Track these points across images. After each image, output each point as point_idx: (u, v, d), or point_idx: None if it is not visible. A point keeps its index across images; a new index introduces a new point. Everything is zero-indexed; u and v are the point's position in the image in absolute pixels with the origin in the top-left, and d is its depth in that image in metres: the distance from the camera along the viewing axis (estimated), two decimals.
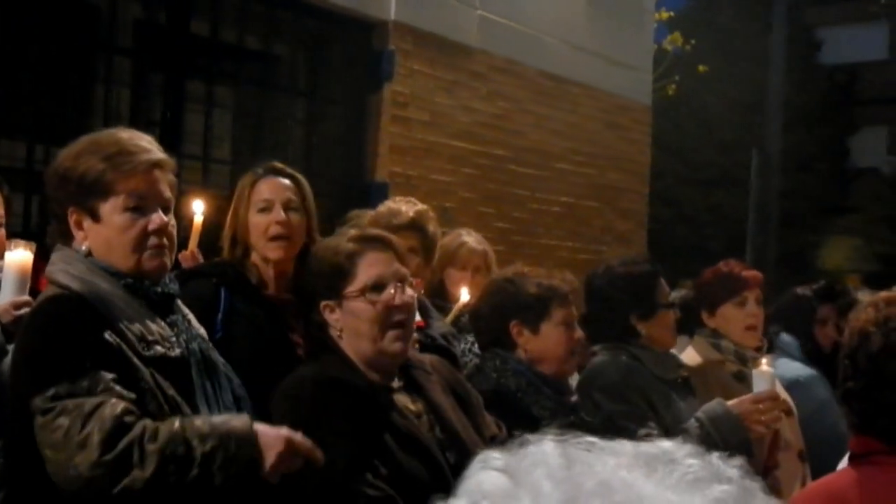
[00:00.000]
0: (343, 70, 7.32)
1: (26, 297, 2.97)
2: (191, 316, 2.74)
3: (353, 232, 3.05)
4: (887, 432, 2.21)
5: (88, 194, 2.51)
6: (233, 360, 2.78)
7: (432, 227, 4.01)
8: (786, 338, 5.31)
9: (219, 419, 2.42)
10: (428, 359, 3.09)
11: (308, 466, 2.52)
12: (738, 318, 4.33)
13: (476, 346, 3.85)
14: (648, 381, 3.81)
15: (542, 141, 8.64)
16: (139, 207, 2.53)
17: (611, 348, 3.94)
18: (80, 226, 2.56)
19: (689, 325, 4.38)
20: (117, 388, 2.34)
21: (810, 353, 5.31)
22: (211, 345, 2.72)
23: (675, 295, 4.96)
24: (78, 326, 2.40)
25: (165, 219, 2.56)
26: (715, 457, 1.00)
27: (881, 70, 27.05)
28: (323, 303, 2.89)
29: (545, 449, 0.99)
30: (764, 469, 4.01)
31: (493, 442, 2.87)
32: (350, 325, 2.85)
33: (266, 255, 3.40)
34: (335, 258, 2.90)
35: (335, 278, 2.88)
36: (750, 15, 21.80)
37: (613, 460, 0.97)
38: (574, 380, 4.26)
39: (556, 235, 8.80)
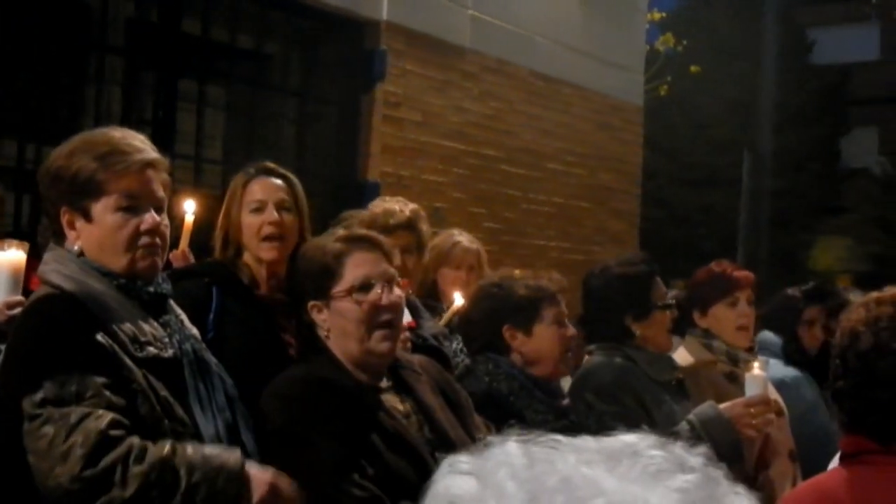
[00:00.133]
0: (335, 70, 7.32)
1: (19, 297, 2.96)
2: (183, 316, 2.73)
3: (340, 232, 3.05)
4: (878, 430, 2.22)
5: (80, 194, 2.50)
6: (224, 360, 2.77)
7: (425, 226, 4.03)
8: (769, 336, 5.32)
9: (212, 451, 2.41)
10: (417, 359, 3.10)
11: (297, 467, 2.52)
12: (730, 319, 4.33)
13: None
14: (642, 382, 3.81)
15: (534, 141, 8.65)
16: (132, 207, 2.52)
17: (605, 349, 3.94)
18: (72, 226, 2.54)
19: (680, 325, 4.39)
20: (107, 393, 2.32)
21: (792, 354, 5.33)
22: (204, 345, 2.71)
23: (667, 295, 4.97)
24: (70, 327, 2.39)
25: (158, 218, 2.55)
26: (678, 447, 1.00)
27: (873, 70, 27.10)
28: (311, 303, 2.89)
29: (508, 449, 1.00)
30: (755, 470, 4.02)
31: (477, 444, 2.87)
32: (337, 325, 2.86)
33: (259, 255, 3.40)
34: (322, 258, 2.91)
35: (322, 278, 2.88)
36: (742, 15, 21.84)
37: (575, 456, 0.97)
38: (567, 381, 4.27)
39: (548, 236, 8.81)
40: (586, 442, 1.01)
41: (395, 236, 3.83)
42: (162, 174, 2.61)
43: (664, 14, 13.55)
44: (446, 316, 4.13)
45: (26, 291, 2.91)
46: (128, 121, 5.96)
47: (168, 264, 3.28)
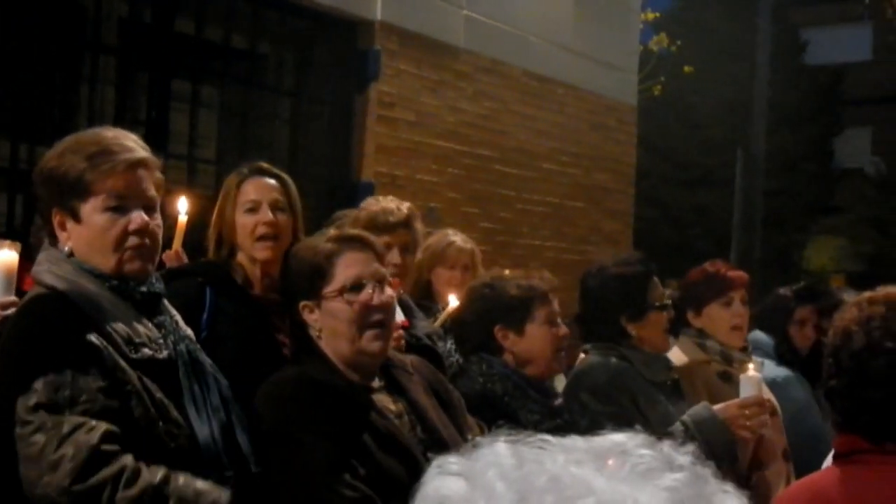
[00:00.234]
0: (329, 70, 7.32)
1: (12, 297, 2.95)
2: (178, 317, 2.71)
3: (332, 232, 3.06)
4: (870, 429, 2.22)
5: (70, 194, 2.49)
6: (218, 360, 2.76)
7: (420, 225, 4.03)
8: (761, 336, 5.33)
9: (205, 487, 2.39)
10: (409, 359, 3.10)
11: (289, 467, 2.52)
12: (724, 319, 4.34)
13: None
14: (637, 382, 3.82)
15: (529, 141, 8.65)
16: (120, 207, 2.50)
17: (601, 349, 3.94)
18: (63, 226, 2.53)
19: (674, 324, 4.40)
20: (101, 397, 2.31)
21: (784, 354, 5.34)
22: (198, 346, 2.70)
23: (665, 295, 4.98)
24: (63, 327, 2.37)
25: (147, 218, 2.52)
26: (666, 445, 1.00)
27: (866, 71, 27.16)
28: (302, 303, 2.89)
29: (497, 450, 1.00)
30: (749, 470, 4.03)
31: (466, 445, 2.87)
32: (329, 325, 2.85)
33: (253, 255, 3.40)
34: (314, 258, 2.91)
35: (314, 278, 2.88)
36: (735, 16, 21.84)
37: (564, 456, 0.97)
38: (562, 381, 4.27)
39: (542, 236, 8.82)
40: (575, 442, 1.01)
41: (395, 234, 3.83)
42: (154, 173, 2.59)
43: (658, 14, 13.56)
44: (441, 317, 4.13)
45: (20, 292, 2.90)
46: (121, 121, 5.96)
47: (161, 264, 3.28)
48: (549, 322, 3.52)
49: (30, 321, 2.45)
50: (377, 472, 2.65)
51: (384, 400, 2.87)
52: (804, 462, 4.24)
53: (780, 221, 22.47)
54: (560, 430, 3.18)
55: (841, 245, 25.08)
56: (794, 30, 25.92)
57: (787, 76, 23.24)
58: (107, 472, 2.24)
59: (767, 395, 4.23)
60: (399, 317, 3.30)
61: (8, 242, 3.08)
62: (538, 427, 3.20)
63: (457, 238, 4.64)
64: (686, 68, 14.11)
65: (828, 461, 3.33)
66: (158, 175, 2.61)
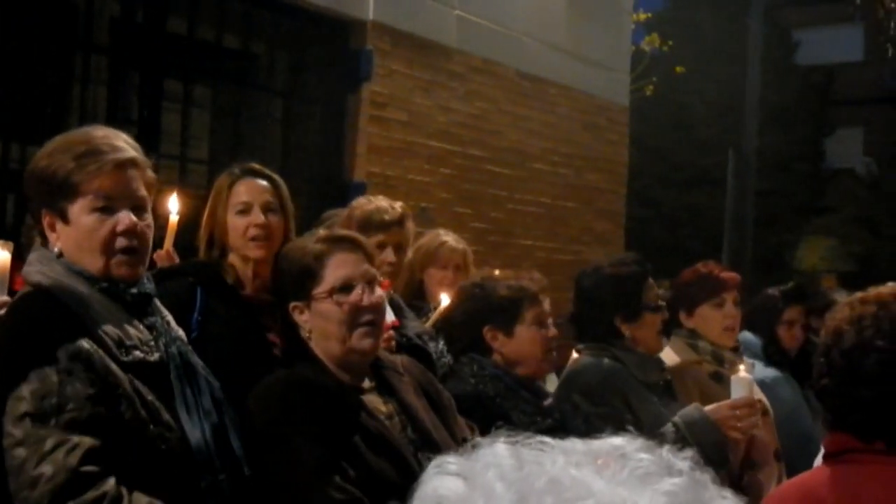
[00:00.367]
0: (321, 70, 7.31)
1: (5, 297, 2.94)
2: (170, 317, 2.69)
3: (321, 232, 3.05)
4: (861, 428, 2.23)
5: (58, 195, 2.46)
6: (209, 361, 2.75)
7: (411, 225, 4.04)
8: (748, 337, 5.34)
9: None
10: (400, 360, 3.10)
11: (278, 469, 2.52)
12: (717, 319, 4.35)
13: None
14: (629, 383, 3.82)
15: (520, 141, 8.65)
16: (107, 208, 2.47)
17: (594, 349, 3.94)
18: (52, 227, 2.51)
19: (666, 325, 4.40)
20: (89, 406, 2.27)
21: (772, 355, 5.35)
22: (190, 347, 2.68)
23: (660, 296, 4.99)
24: (51, 329, 2.35)
25: (135, 219, 2.49)
26: (665, 450, 1.00)
27: (857, 71, 27.23)
28: (292, 304, 2.89)
29: (497, 451, 1.00)
30: (741, 470, 4.04)
31: (465, 443, 2.87)
32: (319, 326, 2.86)
33: (246, 254, 3.40)
34: (303, 259, 2.91)
35: (303, 279, 2.88)
36: (727, 16, 21.89)
37: (563, 458, 0.98)
38: (554, 381, 4.28)
39: (534, 236, 8.82)
40: (575, 444, 1.01)
41: (389, 233, 3.84)
42: (145, 173, 2.55)
43: (650, 14, 13.57)
44: (433, 317, 4.13)
45: (11, 292, 2.89)
46: (113, 120, 5.94)
47: (153, 264, 3.27)
48: (539, 323, 3.52)
49: (18, 321, 2.43)
50: (367, 473, 2.65)
51: (375, 401, 2.87)
52: (794, 462, 4.25)
53: (772, 221, 22.52)
54: (552, 430, 3.18)
55: (832, 245, 25.13)
56: (786, 30, 26.00)
57: (779, 76, 23.29)
58: (86, 498, 2.20)
59: (759, 395, 4.24)
60: (389, 317, 3.30)
61: (0, 242, 3.07)
62: (530, 428, 3.20)
63: (449, 238, 4.64)
64: (678, 68, 14.13)
65: (818, 461, 3.33)
66: (150, 174, 2.58)
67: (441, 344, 3.97)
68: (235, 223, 3.41)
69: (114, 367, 2.36)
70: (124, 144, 2.52)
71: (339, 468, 2.61)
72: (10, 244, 3.05)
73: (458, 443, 2.87)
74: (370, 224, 3.82)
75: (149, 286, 2.61)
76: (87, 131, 2.55)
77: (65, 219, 2.48)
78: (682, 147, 23.80)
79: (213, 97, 7.17)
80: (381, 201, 4.02)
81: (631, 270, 3.99)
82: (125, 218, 2.47)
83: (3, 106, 5.71)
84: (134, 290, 2.53)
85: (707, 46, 22.67)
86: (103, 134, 2.53)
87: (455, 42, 7.97)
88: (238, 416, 2.67)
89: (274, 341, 3.27)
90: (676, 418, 3.69)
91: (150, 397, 2.41)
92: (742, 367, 3.94)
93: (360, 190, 6.79)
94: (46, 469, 2.19)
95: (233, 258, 3.44)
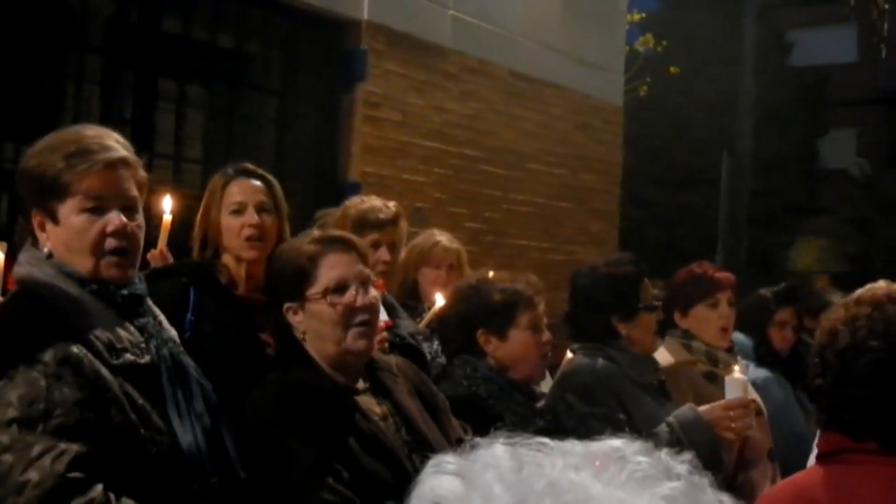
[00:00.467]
0: (315, 70, 7.31)
1: None
2: (161, 317, 2.66)
3: (315, 233, 3.05)
4: (853, 427, 2.24)
5: (47, 195, 2.43)
6: (202, 361, 2.73)
7: (405, 223, 4.05)
8: (740, 338, 5.35)
9: None
10: (394, 361, 3.09)
11: (272, 471, 2.51)
12: (711, 320, 4.36)
13: None
14: (623, 384, 3.82)
15: (514, 141, 8.66)
16: (97, 208, 2.44)
17: (588, 349, 3.94)
18: (42, 227, 2.48)
19: (661, 325, 4.41)
20: (77, 411, 2.24)
21: (763, 356, 5.35)
22: (182, 348, 2.65)
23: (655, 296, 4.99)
24: (39, 332, 2.31)
25: (125, 220, 2.46)
26: (664, 453, 1.00)
27: (850, 72, 27.28)
28: (286, 305, 2.89)
29: (496, 452, 1.00)
30: (734, 470, 4.04)
31: (459, 444, 2.87)
32: (313, 327, 2.85)
33: (240, 254, 3.40)
34: (297, 260, 2.90)
35: (297, 280, 2.87)
36: (721, 17, 21.90)
37: (562, 461, 0.98)
38: (548, 381, 4.28)
39: (528, 236, 8.82)
40: (574, 446, 1.01)
41: (384, 232, 3.85)
42: (136, 172, 2.52)
43: (644, 15, 13.58)
44: (427, 317, 4.13)
45: (4, 292, 2.88)
46: (107, 120, 5.93)
47: (146, 264, 3.27)
48: (533, 328, 3.52)
49: (4, 322, 2.39)
50: (361, 474, 2.64)
51: (369, 402, 2.86)
52: (786, 462, 4.26)
53: (766, 222, 22.55)
54: (544, 432, 3.18)
55: (826, 246, 25.17)
56: (780, 31, 26.03)
57: (773, 77, 23.31)
58: (75, 503, 2.18)
59: (753, 395, 4.25)
60: (382, 317, 3.30)
61: None
62: (523, 429, 3.19)
63: (442, 238, 4.65)
64: (672, 69, 14.15)
65: (811, 461, 3.33)
66: (141, 174, 2.55)
67: (436, 344, 3.97)
68: (229, 223, 3.40)
69: (103, 371, 2.33)
70: (115, 144, 2.49)
71: (334, 470, 2.61)
72: (4, 244, 3.04)
73: (452, 444, 2.87)
74: (365, 223, 3.82)
75: (140, 287, 2.58)
76: (77, 130, 2.52)
77: (54, 219, 2.45)
78: (677, 148, 23.81)
79: (207, 97, 7.16)
80: (376, 201, 4.02)
81: (628, 270, 4.00)
82: (115, 219, 2.45)
83: None
84: (125, 292, 2.50)
85: (701, 47, 22.70)
86: (94, 133, 2.49)
87: (450, 42, 7.97)
88: (232, 418, 2.64)
89: (267, 341, 3.26)
90: (670, 418, 3.70)
91: (140, 401, 2.38)
92: (737, 367, 3.95)
93: (355, 190, 6.78)
94: (33, 475, 2.16)
95: (226, 258, 3.44)
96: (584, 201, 9.56)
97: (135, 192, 2.52)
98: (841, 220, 24.91)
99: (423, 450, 2.75)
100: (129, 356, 2.41)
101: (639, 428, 3.67)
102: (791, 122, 24.70)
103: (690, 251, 14.57)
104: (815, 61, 26.55)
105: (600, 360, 3.86)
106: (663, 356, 4.33)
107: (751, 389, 4.22)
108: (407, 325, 3.90)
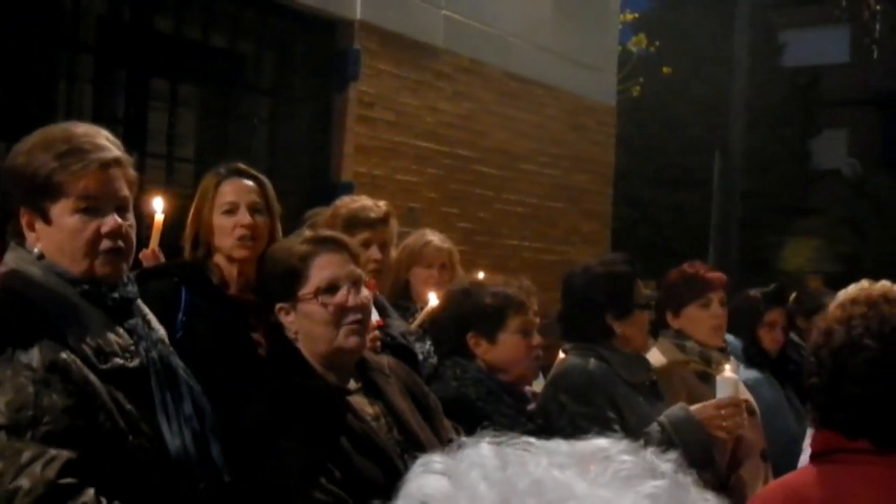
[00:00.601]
0: (308, 69, 7.31)
1: None
2: (151, 316, 2.64)
3: (307, 233, 3.05)
4: (847, 426, 2.25)
5: (39, 194, 2.39)
6: (193, 360, 2.73)
7: (395, 222, 4.06)
8: (729, 338, 5.36)
9: None
10: (386, 361, 3.10)
11: (263, 472, 2.51)
12: (703, 320, 4.36)
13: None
14: (615, 384, 3.83)
15: (507, 142, 8.67)
16: (91, 208, 2.41)
17: (580, 350, 3.95)
18: (31, 227, 2.44)
19: (653, 325, 4.42)
20: (65, 418, 2.21)
21: (753, 356, 5.36)
22: (171, 349, 2.63)
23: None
24: (25, 333, 2.28)
25: (120, 220, 2.44)
26: (649, 452, 1.01)
27: (843, 73, 27.32)
28: (278, 305, 2.89)
29: (481, 451, 1.00)
30: (727, 470, 4.05)
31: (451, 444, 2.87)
32: (304, 327, 2.85)
33: (231, 254, 3.39)
34: (288, 260, 2.90)
35: (289, 280, 2.87)
36: (714, 17, 21.95)
37: (547, 459, 0.98)
38: (540, 381, 4.29)
39: (521, 236, 8.83)
40: (559, 445, 1.02)
41: (375, 231, 3.86)
42: (127, 171, 2.49)
43: (637, 15, 13.61)
44: (420, 316, 4.14)
45: None
46: (99, 119, 5.92)
47: (138, 263, 3.26)
48: (523, 332, 3.53)
49: None
50: (353, 474, 2.65)
51: (361, 402, 2.86)
52: (777, 463, 4.27)
53: (758, 222, 22.59)
54: (532, 434, 3.18)
55: (818, 246, 25.21)
56: (772, 32, 26.07)
57: (765, 78, 23.37)
58: None
59: (745, 394, 4.26)
60: (374, 316, 3.30)
61: None
62: (512, 431, 3.20)
63: (434, 237, 4.65)
64: (665, 69, 14.17)
65: (801, 462, 3.34)
66: (131, 172, 2.52)
67: (428, 345, 3.97)
68: (222, 223, 3.40)
69: (92, 377, 2.30)
70: (107, 142, 2.46)
71: (326, 469, 2.61)
72: None
73: (444, 444, 2.87)
74: (355, 222, 3.83)
75: (131, 289, 2.55)
76: (66, 127, 2.49)
77: (46, 219, 2.42)
78: (669, 148, 23.85)
79: (199, 96, 7.16)
80: (366, 200, 4.03)
81: (623, 269, 4.01)
82: (111, 220, 2.42)
83: None
84: (115, 295, 2.47)
85: (694, 48, 22.73)
86: (84, 131, 2.46)
87: (442, 42, 7.98)
88: (221, 419, 2.63)
89: (259, 341, 3.26)
90: (662, 418, 3.71)
91: (128, 406, 2.35)
92: (728, 366, 3.96)
93: (348, 190, 6.78)
94: (24, 482, 2.14)
95: (218, 258, 3.43)
96: (577, 201, 9.57)
97: (126, 191, 2.49)
98: (833, 220, 24.95)
99: (415, 450, 2.75)
100: (117, 360, 2.38)
101: (631, 428, 3.68)
102: (783, 122, 24.76)
103: (682, 251, 14.60)
104: (808, 62, 26.59)
105: (592, 361, 3.87)
106: (656, 356, 4.34)
107: (743, 388, 4.23)
108: (398, 325, 3.90)
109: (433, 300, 4.01)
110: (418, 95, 7.76)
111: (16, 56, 5.77)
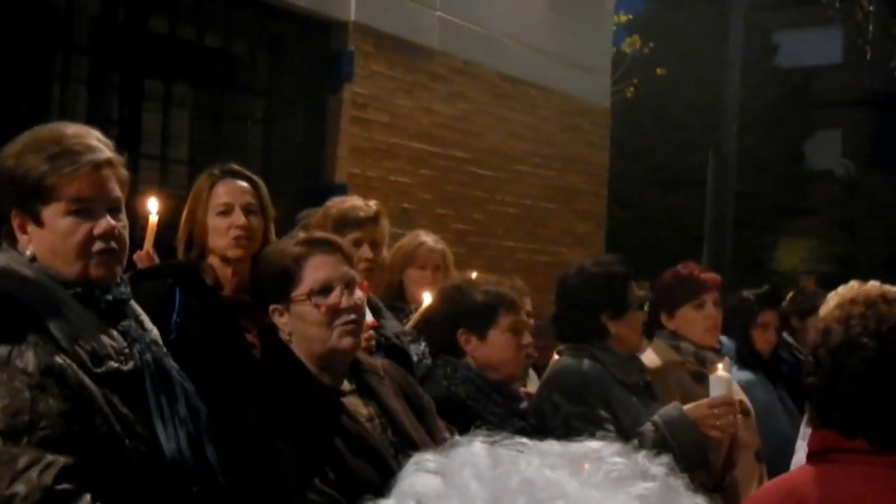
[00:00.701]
0: (302, 70, 7.31)
1: None
2: (144, 317, 2.63)
3: (300, 235, 3.06)
4: (844, 425, 2.26)
5: (30, 197, 2.37)
6: (187, 362, 2.71)
7: (386, 222, 4.06)
8: (721, 339, 5.37)
9: None
10: (380, 363, 3.10)
11: (258, 473, 2.51)
12: (697, 320, 4.37)
13: None
14: (609, 384, 3.84)
15: (501, 143, 8.67)
16: (84, 210, 2.39)
17: (574, 350, 3.96)
18: (23, 229, 2.42)
19: (648, 326, 4.42)
20: (62, 423, 2.20)
21: (746, 358, 5.37)
22: (164, 350, 2.61)
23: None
24: (22, 337, 2.26)
25: (113, 222, 2.42)
26: (641, 455, 1.01)
27: (836, 74, 27.36)
28: (272, 306, 2.89)
29: (474, 449, 1.01)
30: (721, 470, 4.06)
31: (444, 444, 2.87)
32: (298, 328, 2.86)
33: (226, 254, 3.40)
34: (282, 261, 2.91)
35: (282, 282, 2.88)
36: (707, 18, 21.96)
37: (539, 459, 0.99)
38: (535, 382, 4.29)
39: (515, 237, 8.84)
40: (552, 446, 1.02)
41: (365, 230, 3.86)
42: (119, 171, 2.47)
43: (630, 16, 13.62)
44: (414, 317, 4.14)
45: None
46: (93, 120, 5.91)
47: (132, 265, 3.26)
48: (514, 331, 3.54)
49: None
50: (347, 475, 2.65)
51: (355, 403, 2.87)
52: (771, 463, 4.28)
53: (752, 223, 22.60)
54: (523, 433, 3.19)
55: (812, 246, 25.26)
56: (766, 33, 26.09)
57: (759, 79, 23.38)
58: None
59: (740, 395, 4.27)
60: (367, 317, 3.31)
61: None
62: (501, 430, 3.20)
63: (427, 238, 4.65)
64: (659, 70, 14.19)
65: (794, 462, 3.35)
66: (123, 172, 2.50)
67: (423, 346, 3.98)
68: (216, 224, 3.40)
69: (87, 381, 2.29)
70: (97, 143, 2.44)
71: (320, 471, 2.62)
72: None
73: (437, 445, 2.87)
74: (345, 221, 3.84)
75: (124, 291, 2.53)
76: (56, 128, 2.46)
77: (38, 222, 2.40)
78: (663, 149, 23.86)
79: (193, 97, 7.15)
80: (356, 200, 4.04)
81: (617, 269, 4.03)
82: (104, 222, 2.41)
83: None
84: (109, 297, 2.46)
85: (688, 48, 22.75)
86: (74, 132, 2.43)
87: (437, 44, 7.98)
88: (216, 420, 2.62)
89: (253, 342, 3.26)
90: (656, 417, 3.72)
91: (123, 410, 2.34)
92: (720, 365, 3.96)
93: (342, 191, 6.78)
94: (20, 488, 2.12)
95: (212, 259, 3.43)
96: (571, 203, 9.58)
97: (118, 192, 2.47)
98: (826, 220, 25.00)
99: (410, 450, 2.75)
100: (112, 363, 2.37)
101: (624, 428, 3.69)
102: (777, 123, 24.78)
103: (676, 252, 14.61)
104: (801, 63, 26.62)
105: (586, 361, 3.88)
106: (651, 357, 4.34)
107: (737, 388, 4.24)
108: (392, 325, 3.91)
109: (427, 301, 4.02)
110: (412, 97, 7.76)
111: (10, 57, 5.77)
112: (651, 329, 4.49)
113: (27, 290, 2.35)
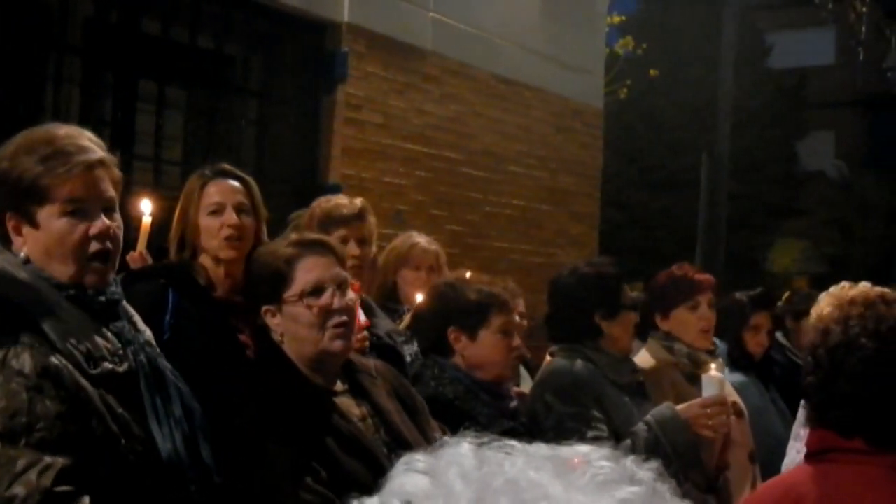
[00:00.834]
0: (296, 71, 7.31)
1: None
2: (137, 318, 2.63)
3: (292, 236, 3.06)
4: (842, 424, 2.27)
5: (24, 199, 2.37)
6: (180, 362, 2.71)
7: (373, 219, 4.07)
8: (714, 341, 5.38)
9: None
10: (373, 363, 3.11)
11: (250, 473, 2.51)
12: (691, 322, 4.37)
13: None
14: (602, 384, 3.85)
15: (495, 144, 8.67)
16: (79, 211, 2.39)
17: (567, 351, 3.97)
18: (18, 231, 2.42)
19: (642, 327, 4.43)
20: (59, 424, 2.20)
21: (738, 360, 5.38)
22: (158, 350, 2.62)
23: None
24: (16, 338, 2.26)
25: (108, 222, 2.42)
26: (629, 460, 1.02)
27: (829, 75, 27.42)
28: (264, 307, 2.90)
29: (461, 450, 1.02)
30: (715, 471, 4.07)
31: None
32: (290, 329, 2.87)
33: (218, 254, 3.39)
34: (274, 263, 2.92)
35: (274, 283, 2.89)
36: (700, 19, 21.99)
37: (524, 461, 0.99)
38: (528, 382, 4.30)
39: (509, 238, 8.84)
40: (539, 448, 1.03)
41: (350, 227, 3.87)
42: (112, 171, 2.48)
43: (624, 17, 13.62)
44: (408, 318, 4.15)
45: None
46: (87, 121, 5.91)
47: (124, 265, 3.26)
48: (504, 332, 3.54)
49: None
50: (340, 475, 2.66)
51: (348, 403, 2.88)
52: (763, 465, 4.29)
53: (745, 224, 22.64)
54: (513, 433, 3.20)
55: (805, 247, 25.31)
56: (759, 34, 26.12)
57: (752, 80, 23.42)
58: None
59: (733, 396, 4.28)
60: (360, 317, 3.31)
61: None
62: (488, 430, 3.21)
63: (421, 239, 4.66)
64: (652, 71, 14.21)
65: (785, 464, 3.36)
66: (116, 172, 2.50)
67: (416, 346, 3.98)
68: (208, 224, 3.40)
69: (83, 382, 2.29)
70: (90, 143, 2.44)
71: (313, 470, 2.62)
72: None
73: (430, 445, 2.87)
74: (330, 220, 3.85)
75: (117, 291, 2.54)
76: (48, 129, 2.46)
77: (33, 223, 2.40)
78: (656, 150, 23.87)
79: (187, 98, 7.15)
80: (341, 198, 4.05)
81: (610, 270, 4.04)
82: (99, 223, 2.41)
83: None
84: (102, 298, 2.46)
85: (681, 50, 22.77)
86: (66, 133, 2.44)
87: (430, 45, 7.99)
88: (209, 420, 2.62)
89: (246, 343, 3.26)
90: (648, 417, 3.72)
91: (119, 411, 2.34)
92: (713, 365, 3.97)
93: (335, 192, 6.77)
94: (19, 491, 2.12)
95: (204, 259, 3.43)
96: (565, 204, 9.59)
97: (112, 192, 2.48)
98: (819, 221, 25.05)
99: (402, 450, 2.75)
100: (107, 365, 2.37)
101: (617, 428, 3.70)
102: (770, 124, 24.80)
103: (669, 253, 14.63)
104: (794, 64, 26.65)
105: (579, 362, 3.89)
106: (645, 359, 4.35)
107: (731, 390, 4.25)
108: (384, 324, 3.92)
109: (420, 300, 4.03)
110: (406, 98, 7.77)
111: (3, 58, 5.76)
112: (644, 330, 4.50)
113: (21, 292, 2.35)
